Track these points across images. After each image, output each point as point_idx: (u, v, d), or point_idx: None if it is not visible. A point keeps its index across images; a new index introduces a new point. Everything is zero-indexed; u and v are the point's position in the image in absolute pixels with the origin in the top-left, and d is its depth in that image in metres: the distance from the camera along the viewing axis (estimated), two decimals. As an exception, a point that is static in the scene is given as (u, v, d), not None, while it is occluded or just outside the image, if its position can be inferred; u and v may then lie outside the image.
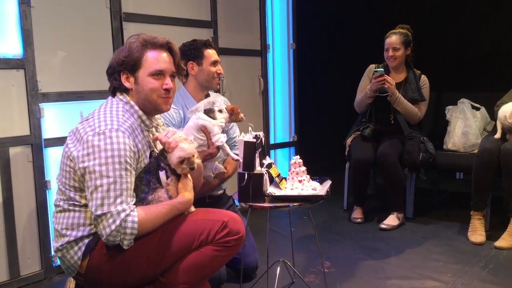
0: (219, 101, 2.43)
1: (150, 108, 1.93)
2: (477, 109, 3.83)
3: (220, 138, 2.30)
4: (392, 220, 3.55)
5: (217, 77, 2.67)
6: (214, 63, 2.65)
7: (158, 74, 1.90)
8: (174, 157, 1.83)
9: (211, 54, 2.64)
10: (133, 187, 1.80)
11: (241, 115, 2.46)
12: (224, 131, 2.50)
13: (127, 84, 1.90)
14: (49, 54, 2.78)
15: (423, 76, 3.73)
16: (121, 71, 1.90)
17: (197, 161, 1.89)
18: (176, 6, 3.49)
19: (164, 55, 1.93)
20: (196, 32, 3.60)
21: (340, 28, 5.46)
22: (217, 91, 3.73)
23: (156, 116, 2.05)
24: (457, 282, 2.63)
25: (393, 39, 3.63)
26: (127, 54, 1.88)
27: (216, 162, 2.43)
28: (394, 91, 3.54)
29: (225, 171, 2.54)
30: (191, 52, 2.64)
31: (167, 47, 1.95)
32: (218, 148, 2.32)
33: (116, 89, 1.93)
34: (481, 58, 4.61)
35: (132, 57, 1.88)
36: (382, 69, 3.56)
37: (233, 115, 2.42)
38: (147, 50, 1.89)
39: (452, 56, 4.82)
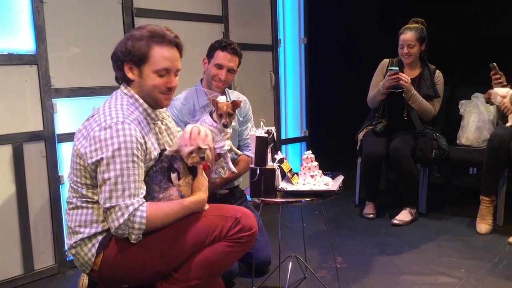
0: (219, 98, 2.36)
1: (151, 102, 1.92)
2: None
3: (224, 146, 2.29)
4: (404, 216, 3.53)
5: (217, 80, 2.63)
6: (218, 66, 2.62)
7: (164, 72, 1.88)
8: (185, 148, 1.82)
9: (220, 56, 2.62)
10: (142, 178, 1.80)
11: (223, 120, 2.25)
12: (232, 135, 2.46)
13: (130, 75, 1.88)
14: (62, 50, 2.80)
15: (437, 71, 3.68)
16: (125, 61, 1.87)
17: (209, 153, 1.85)
18: (187, 1, 3.48)
19: (172, 51, 1.89)
20: (208, 27, 3.60)
21: (352, 22, 5.43)
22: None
23: (161, 109, 2.05)
24: (470, 278, 2.61)
25: (408, 35, 3.57)
26: (133, 44, 1.84)
27: (220, 168, 2.43)
28: (410, 88, 3.50)
29: (225, 176, 2.51)
30: (209, 49, 2.68)
31: (175, 43, 1.91)
32: (219, 154, 2.31)
33: (119, 78, 1.93)
34: (495, 52, 4.55)
35: (139, 50, 1.84)
36: (397, 68, 3.51)
37: (215, 109, 2.26)
38: (155, 45, 1.85)
39: (466, 49, 4.76)
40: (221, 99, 2.33)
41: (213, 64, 2.63)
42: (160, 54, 1.86)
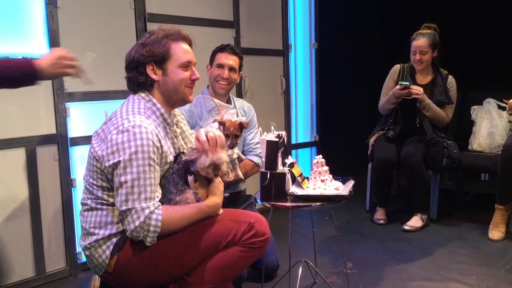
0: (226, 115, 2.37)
1: (177, 99, 1.95)
2: (504, 109, 3.74)
3: (233, 154, 2.29)
4: (415, 222, 3.51)
5: (220, 80, 2.68)
6: (219, 65, 2.68)
7: (187, 65, 1.93)
8: (206, 161, 1.83)
9: (220, 56, 2.70)
10: (158, 182, 1.82)
11: (229, 142, 2.16)
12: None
13: (154, 77, 1.91)
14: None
15: (450, 77, 3.64)
16: (147, 63, 1.90)
17: (224, 169, 1.89)
18: (199, 6, 3.51)
19: (188, 46, 1.96)
20: (219, 32, 3.62)
21: (362, 27, 5.42)
22: (239, 91, 3.76)
23: (176, 113, 2.07)
24: (482, 285, 2.58)
25: (420, 42, 3.53)
26: (152, 47, 1.89)
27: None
28: (424, 98, 3.46)
29: (228, 180, 2.52)
30: (210, 56, 2.77)
31: (188, 39, 1.98)
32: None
33: (140, 84, 1.92)
34: (507, 57, 4.52)
35: (159, 50, 1.88)
36: (407, 83, 3.46)
37: (222, 128, 2.16)
38: (173, 42, 1.91)
39: (477, 54, 4.73)
40: (232, 114, 2.35)
41: (215, 66, 2.71)
42: (180, 49, 1.92)
